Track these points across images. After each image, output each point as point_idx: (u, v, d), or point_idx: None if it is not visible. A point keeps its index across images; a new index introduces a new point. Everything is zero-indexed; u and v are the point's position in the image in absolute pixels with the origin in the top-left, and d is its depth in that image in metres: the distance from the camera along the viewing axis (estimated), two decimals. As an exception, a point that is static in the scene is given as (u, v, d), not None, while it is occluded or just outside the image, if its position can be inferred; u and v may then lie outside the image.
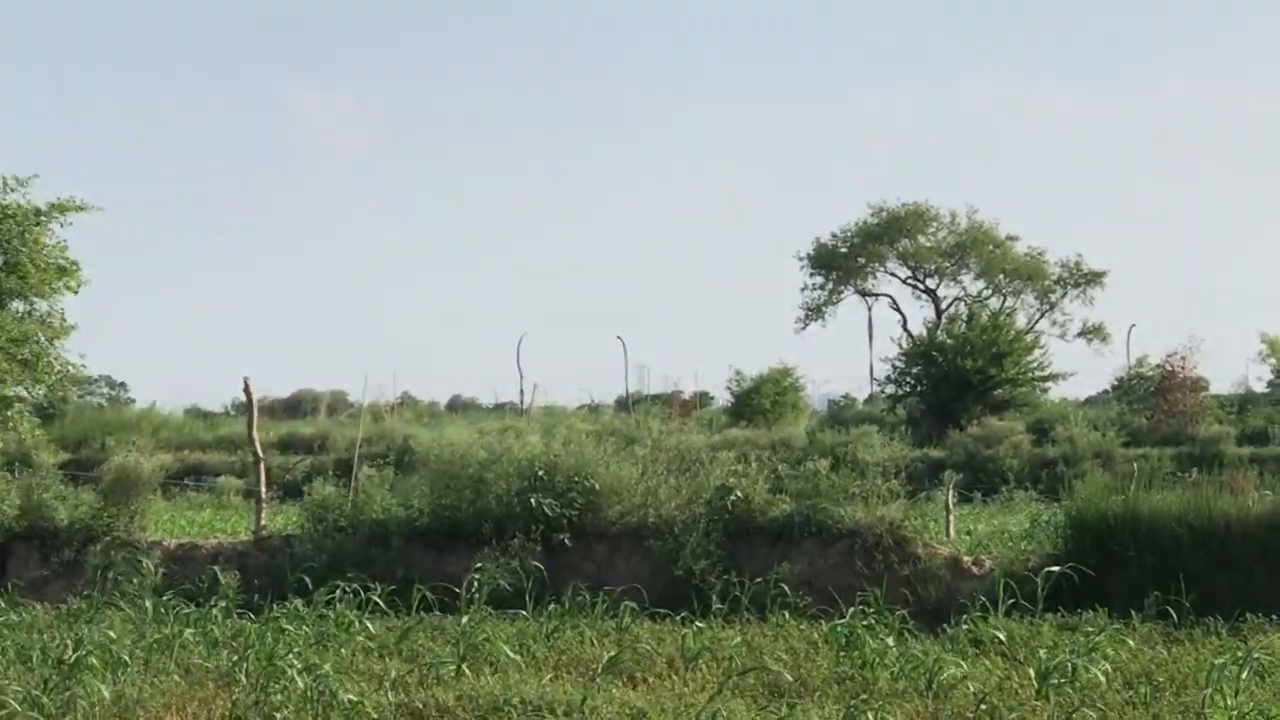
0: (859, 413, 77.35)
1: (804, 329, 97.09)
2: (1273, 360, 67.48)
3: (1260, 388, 73.48)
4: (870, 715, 14.40)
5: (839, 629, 18.94)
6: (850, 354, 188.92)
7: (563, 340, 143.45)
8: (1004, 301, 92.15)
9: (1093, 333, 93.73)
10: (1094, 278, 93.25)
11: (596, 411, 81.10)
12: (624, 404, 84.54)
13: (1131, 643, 18.33)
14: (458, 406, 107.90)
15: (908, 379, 69.13)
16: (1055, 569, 21.24)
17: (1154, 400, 66.41)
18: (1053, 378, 71.86)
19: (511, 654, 18.15)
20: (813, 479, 24.12)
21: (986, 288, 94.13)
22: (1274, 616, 19.53)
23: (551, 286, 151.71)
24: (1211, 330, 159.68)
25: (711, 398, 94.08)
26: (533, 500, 24.58)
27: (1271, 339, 67.22)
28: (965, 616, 20.02)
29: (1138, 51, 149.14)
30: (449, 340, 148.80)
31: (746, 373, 77.09)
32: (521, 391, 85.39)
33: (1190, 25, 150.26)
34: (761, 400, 74.63)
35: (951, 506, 28.31)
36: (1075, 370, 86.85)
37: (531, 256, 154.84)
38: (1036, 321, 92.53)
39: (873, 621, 19.68)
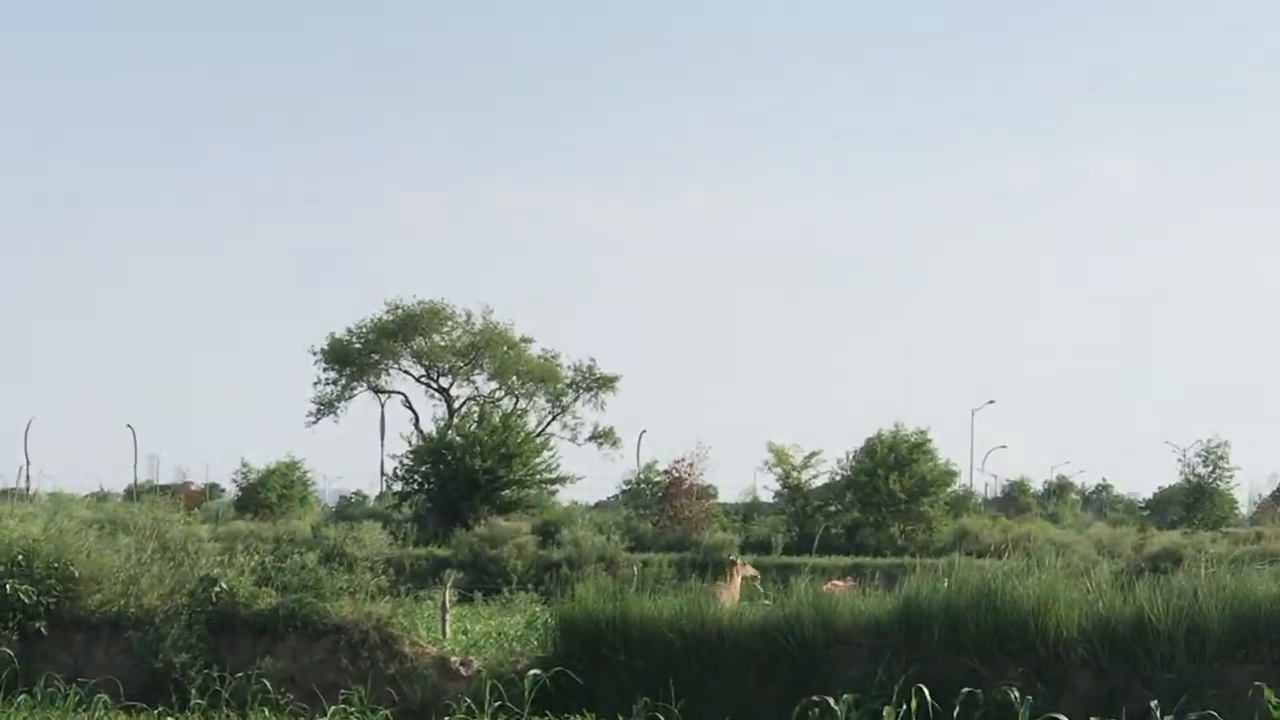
0: (368, 509, 76.99)
1: (316, 423, 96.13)
2: (779, 469, 68.87)
3: (767, 496, 75.04)
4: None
5: (317, 728, 18.44)
6: (364, 450, 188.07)
7: (77, 427, 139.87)
8: (516, 403, 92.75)
9: (603, 437, 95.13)
10: (606, 382, 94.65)
11: (105, 499, 79.29)
12: (133, 493, 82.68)
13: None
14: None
15: (416, 477, 68.94)
16: (540, 672, 20.99)
17: (660, 506, 67.37)
18: (561, 480, 72.56)
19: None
20: (299, 572, 23.51)
21: (499, 388, 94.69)
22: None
23: (65, 371, 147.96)
24: (722, 438, 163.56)
25: (222, 490, 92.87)
26: (8, 586, 23.41)
27: (778, 448, 68.65)
28: (449, 718, 19.65)
29: (657, 161, 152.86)
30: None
31: (254, 465, 76.11)
32: (27, 477, 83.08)
33: (706, 140, 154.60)
34: (268, 494, 73.79)
35: (450, 605, 27.95)
36: (584, 474, 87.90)
37: (46, 340, 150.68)
38: (548, 424, 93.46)
39: (354, 720, 19.23)
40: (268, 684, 21.50)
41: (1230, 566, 21.30)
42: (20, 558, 23.90)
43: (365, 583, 23.67)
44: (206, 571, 23.63)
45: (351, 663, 22.32)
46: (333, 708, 19.57)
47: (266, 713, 20.69)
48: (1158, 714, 17.83)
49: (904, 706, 19.03)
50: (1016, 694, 18.74)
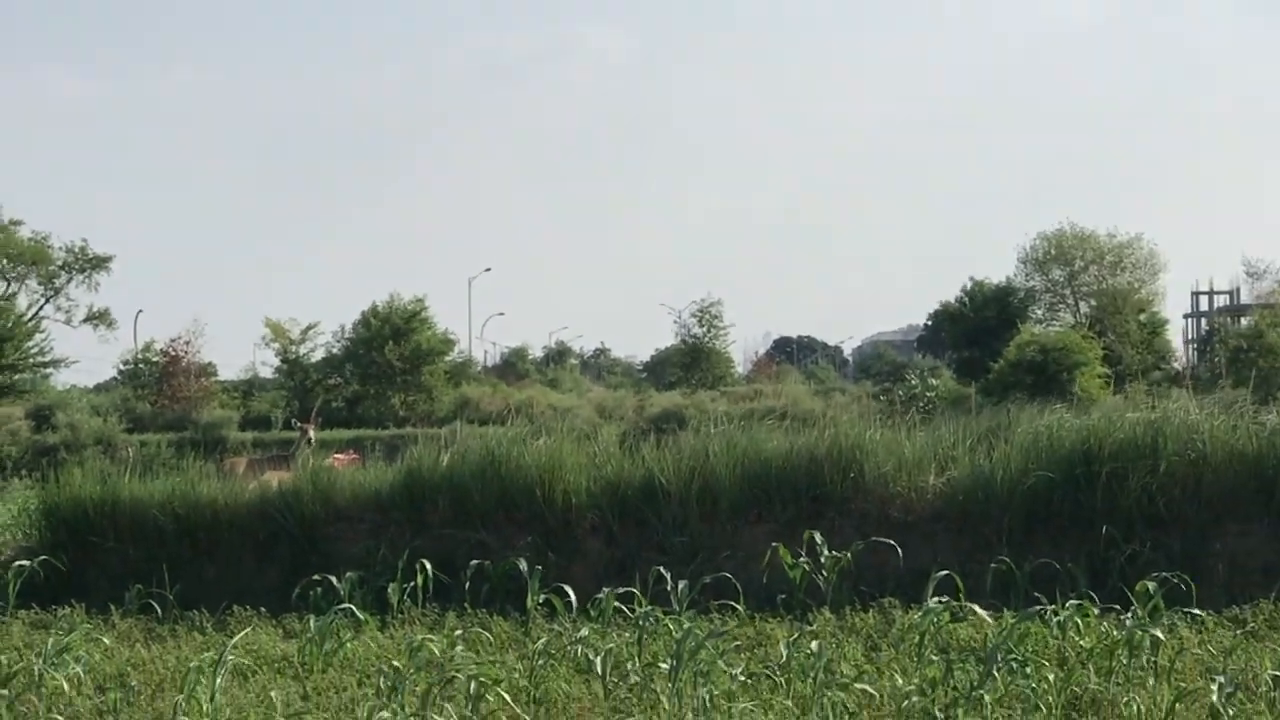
0: None
1: None
2: (277, 345, 67.91)
3: (267, 373, 74.11)
4: None
5: None
6: None
7: None
8: (7, 287, 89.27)
9: (99, 318, 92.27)
10: (100, 263, 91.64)
11: None
12: None
13: (108, 641, 16.95)
14: None
15: (-101, 364, 66.01)
16: (26, 562, 19.75)
17: (159, 386, 66.03)
18: (55, 364, 70.55)
19: None
20: None
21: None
22: (262, 609, 18.63)
23: None
24: (222, 316, 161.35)
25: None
26: None
27: (274, 323, 67.68)
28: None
29: (141, 39, 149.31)
30: None
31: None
32: None
33: (195, 14, 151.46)
34: None
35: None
36: (80, 357, 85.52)
37: None
38: (41, 307, 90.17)
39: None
40: None
41: (740, 425, 21.21)
42: None
43: None
44: None
45: None
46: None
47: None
48: (669, 578, 17.46)
49: (410, 583, 18.46)
50: (525, 564, 18.30)
